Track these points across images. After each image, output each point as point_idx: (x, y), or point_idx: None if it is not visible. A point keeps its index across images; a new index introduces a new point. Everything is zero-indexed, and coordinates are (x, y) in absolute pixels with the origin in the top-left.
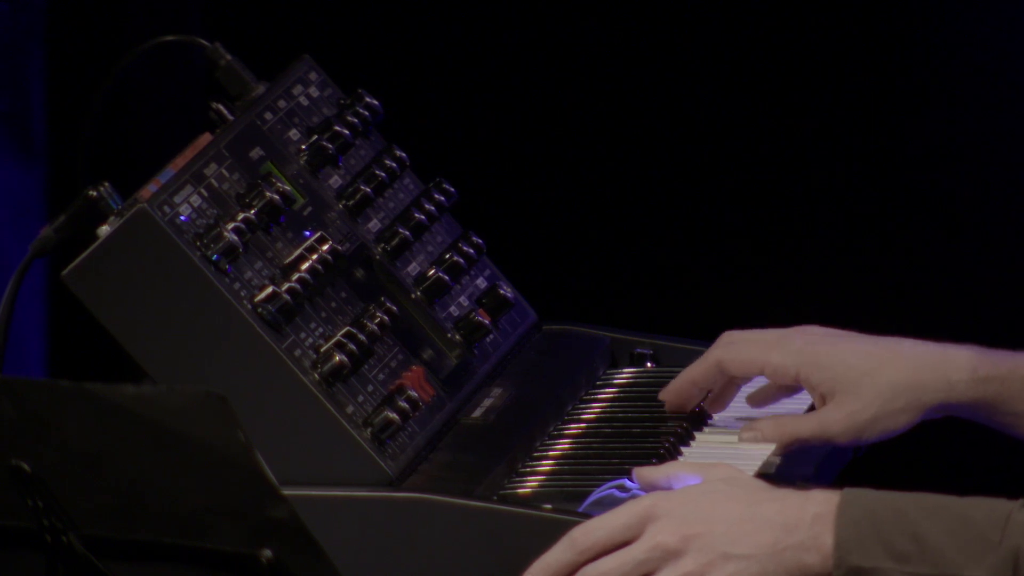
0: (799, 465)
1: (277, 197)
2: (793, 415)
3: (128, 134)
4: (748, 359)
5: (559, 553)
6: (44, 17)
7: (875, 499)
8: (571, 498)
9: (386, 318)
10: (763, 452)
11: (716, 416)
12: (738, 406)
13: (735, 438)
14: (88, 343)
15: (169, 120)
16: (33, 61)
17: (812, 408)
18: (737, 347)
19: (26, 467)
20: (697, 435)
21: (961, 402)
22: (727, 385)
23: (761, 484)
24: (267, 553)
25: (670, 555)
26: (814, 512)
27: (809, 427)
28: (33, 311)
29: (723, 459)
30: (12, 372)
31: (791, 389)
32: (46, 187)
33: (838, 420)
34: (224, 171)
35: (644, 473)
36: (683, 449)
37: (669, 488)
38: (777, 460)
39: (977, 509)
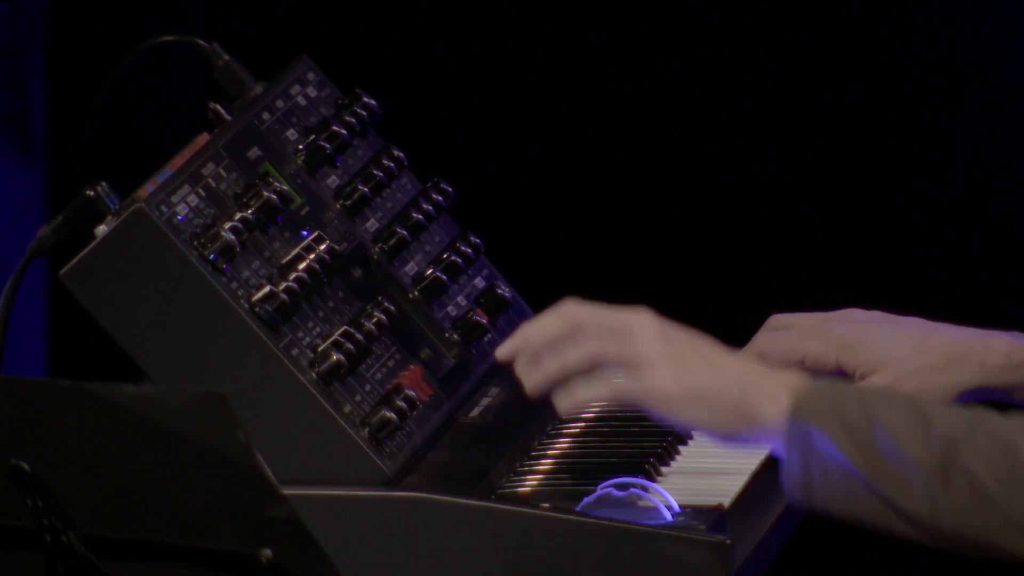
0: None
1: (275, 197)
2: None
3: (128, 134)
4: (787, 350)
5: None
6: (44, 17)
7: (842, 383)
8: (569, 497)
9: (384, 318)
10: (763, 449)
11: None
12: None
13: None
14: (88, 343)
15: (169, 120)
16: (33, 61)
17: None
18: (777, 339)
19: (26, 467)
20: (695, 433)
21: (997, 386)
22: None
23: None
24: (267, 553)
25: (645, 363)
26: (784, 377)
27: None
28: (33, 311)
29: (722, 456)
30: (12, 372)
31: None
32: (46, 187)
33: None
34: (222, 171)
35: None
36: (681, 448)
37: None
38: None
39: (932, 403)
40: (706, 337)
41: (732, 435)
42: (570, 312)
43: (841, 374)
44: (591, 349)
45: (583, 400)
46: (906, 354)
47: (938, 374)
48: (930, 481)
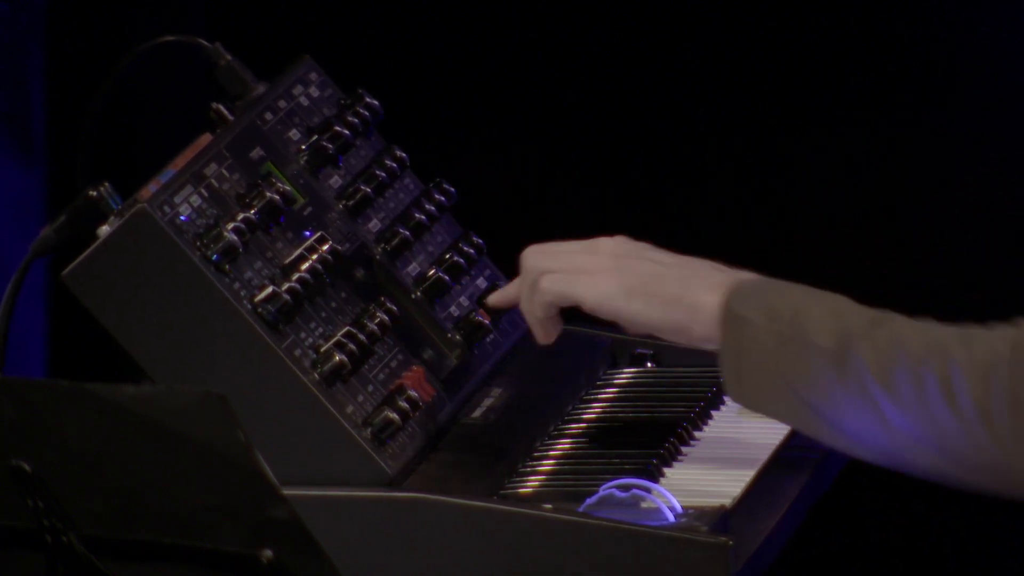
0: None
1: (277, 197)
2: None
3: (128, 134)
4: None
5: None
6: (44, 17)
7: (778, 281)
8: (571, 498)
9: (386, 318)
10: (769, 445)
11: (715, 415)
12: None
13: (736, 436)
14: (88, 343)
15: (170, 120)
16: (33, 61)
17: None
18: None
19: (26, 467)
20: (697, 434)
21: None
22: None
23: None
24: (267, 553)
25: (594, 247)
26: (731, 271)
27: None
28: (33, 311)
29: (726, 457)
30: (12, 372)
31: None
32: (46, 187)
33: None
34: (224, 171)
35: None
36: (684, 449)
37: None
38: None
39: (853, 304)
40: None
41: (675, 328)
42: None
43: None
44: (541, 265)
45: (510, 295)
46: None
47: None
48: (827, 368)
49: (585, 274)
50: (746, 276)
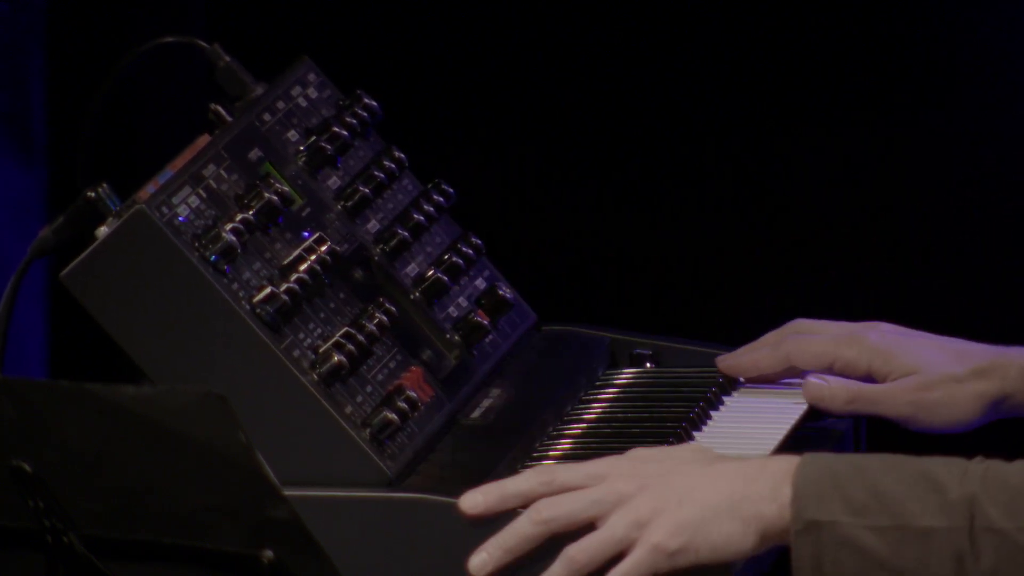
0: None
1: (275, 198)
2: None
3: (128, 135)
4: (820, 353)
5: (524, 525)
6: (44, 17)
7: (835, 458)
8: None
9: (385, 319)
10: (768, 445)
11: (715, 416)
12: (737, 405)
13: (736, 439)
14: (88, 343)
15: (169, 121)
16: (33, 61)
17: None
18: (808, 342)
19: (27, 467)
20: (697, 434)
21: (1015, 397)
22: (785, 373)
23: (718, 455)
24: (268, 553)
25: (624, 498)
26: (774, 468)
27: (875, 392)
28: (33, 311)
29: None
30: (12, 372)
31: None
32: (46, 187)
33: (905, 392)
34: (223, 172)
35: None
36: None
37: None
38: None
39: (936, 464)
40: (667, 453)
41: (750, 550)
42: (541, 513)
43: (869, 380)
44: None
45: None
46: (935, 363)
47: (964, 384)
48: (956, 547)
49: (636, 531)
50: (779, 468)
